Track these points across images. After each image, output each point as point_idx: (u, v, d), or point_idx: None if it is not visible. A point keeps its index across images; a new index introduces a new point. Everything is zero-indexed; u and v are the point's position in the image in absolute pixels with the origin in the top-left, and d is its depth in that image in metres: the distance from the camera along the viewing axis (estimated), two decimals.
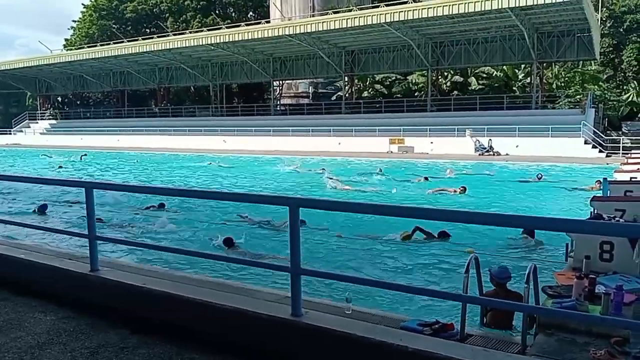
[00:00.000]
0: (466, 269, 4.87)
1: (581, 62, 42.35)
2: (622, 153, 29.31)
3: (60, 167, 30.09)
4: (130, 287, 4.39)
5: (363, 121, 40.43)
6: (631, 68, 44.03)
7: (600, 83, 42.63)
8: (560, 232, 3.54)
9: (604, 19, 43.11)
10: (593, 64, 43.46)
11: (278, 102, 52.14)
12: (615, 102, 41.86)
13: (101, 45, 51.55)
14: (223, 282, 5.84)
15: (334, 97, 50.63)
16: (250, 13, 64.53)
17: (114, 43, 49.46)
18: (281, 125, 42.75)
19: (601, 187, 15.55)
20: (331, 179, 21.17)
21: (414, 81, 47.28)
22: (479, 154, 32.55)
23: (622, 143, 31.89)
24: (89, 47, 54.09)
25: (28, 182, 14.39)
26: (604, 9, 42.87)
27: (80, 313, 4.44)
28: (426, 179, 21.09)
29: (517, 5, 29.54)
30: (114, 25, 62.61)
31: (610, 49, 45.00)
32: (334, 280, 6.33)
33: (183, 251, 6.33)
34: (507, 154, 31.61)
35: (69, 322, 4.29)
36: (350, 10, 38.31)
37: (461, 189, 17.01)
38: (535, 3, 29.11)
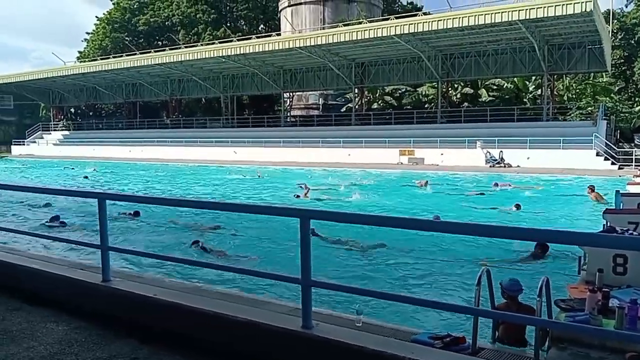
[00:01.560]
0: (478, 282, 4.83)
1: (592, 74, 42.17)
2: (635, 165, 29.05)
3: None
4: (142, 298, 4.41)
5: (373, 132, 40.46)
6: None
7: (612, 95, 42.43)
8: (572, 245, 3.52)
9: (615, 31, 43.00)
10: (604, 75, 43.28)
11: (288, 114, 52.36)
12: (627, 114, 41.61)
13: (114, 57, 52.22)
14: (234, 293, 5.84)
15: (343, 109, 50.76)
16: (261, 26, 65.07)
17: (127, 55, 50.08)
18: (291, 137, 42.90)
19: (596, 196, 15.14)
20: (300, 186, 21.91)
21: (424, 93, 47.29)
22: (490, 166, 32.39)
23: (635, 155, 31.61)
24: (102, 59, 54.83)
25: (41, 192, 14.50)
26: (615, 21, 42.77)
27: (92, 323, 4.46)
28: (482, 193, 20.89)
29: (527, 17, 29.53)
30: (126, 38, 63.44)
31: (622, 61, 44.83)
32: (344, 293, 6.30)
33: (193, 262, 6.36)
34: (518, 166, 31.45)
35: (81, 332, 4.31)
36: (360, 23, 38.49)
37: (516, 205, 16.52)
38: (545, 15, 29.06)
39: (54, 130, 64.12)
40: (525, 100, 44.94)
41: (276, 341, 3.60)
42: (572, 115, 38.96)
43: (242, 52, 41.20)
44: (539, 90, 42.45)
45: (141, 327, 4.25)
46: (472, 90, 45.85)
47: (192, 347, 3.88)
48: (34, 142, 61.58)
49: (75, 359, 3.82)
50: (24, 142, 61.68)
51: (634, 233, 5.26)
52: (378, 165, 34.05)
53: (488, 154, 33.40)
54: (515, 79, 43.81)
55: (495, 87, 45.59)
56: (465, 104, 45.23)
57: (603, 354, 3.54)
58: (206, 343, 3.91)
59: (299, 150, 40.39)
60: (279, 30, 56.38)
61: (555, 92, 39.72)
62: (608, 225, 5.88)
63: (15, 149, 60.45)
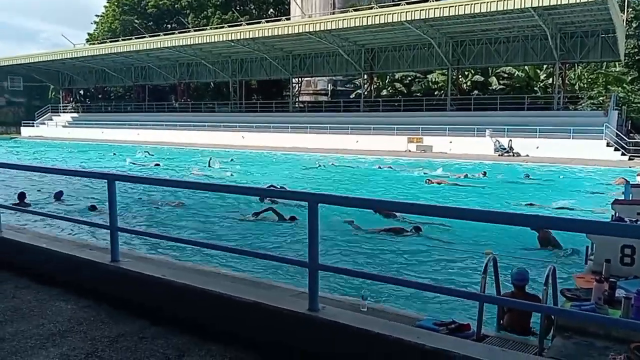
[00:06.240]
0: (484, 270, 4.85)
1: (605, 63, 41.62)
2: None
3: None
4: (150, 279, 4.45)
5: (381, 119, 40.30)
6: None
7: (624, 85, 41.83)
8: (580, 233, 3.52)
9: (630, 20, 42.27)
10: (617, 65, 42.69)
11: (297, 99, 52.20)
12: (639, 105, 41.09)
13: (123, 40, 52.16)
14: (242, 276, 5.90)
15: (352, 95, 50.51)
16: (271, 10, 64.62)
17: (136, 38, 49.99)
18: (299, 122, 42.82)
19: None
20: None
21: (433, 80, 46.95)
22: (499, 155, 32.23)
23: None
24: (111, 41, 54.76)
25: (51, 172, 14.64)
26: (630, 9, 42.05)
27: (101, 303, 4.52)
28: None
29: (540, 4, 29.11)
30: (136, 21, 63.23)
31: (636, 50, 44.10)
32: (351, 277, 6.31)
33: (202, 244, 6.39)
34: (527, 155, 31.27)
35: (90, 311, 4.37)
36: (370, 8, 38.14)
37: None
38: (559, 3, 28.64)
39: (63, 112, 64.37)
40: (535, 89, 44.48)
41: (284, 324, 3.64)
42: (583, 105, 38.54)
43: (251, 37, 41.01)
44: (550, 79, 42.00)
45: (149, 308, 4.30)
46: (482, 78, 45.47)
47: (200, 328, 3.93)
48: (43, 123, 61.85)
49: (84, 337, 3.87)
50: (33, 123, 61.97)
51: None
52: (386, 153, 33.97)
53: (497, 142, 33.21)
54: (526, 67, 43.34)
55: (505, 75, 45.16)
56: (475, 91, 44.88)
57: (608, 344, 3.55)
58: (216, 325, 3.95)
59: (306, 136, 40.37)
60: (289, 15, 55.97)
61: (566, 81, 39.27)
62: (617, 215, 5.86)
63: (25, 130, 60.78)
